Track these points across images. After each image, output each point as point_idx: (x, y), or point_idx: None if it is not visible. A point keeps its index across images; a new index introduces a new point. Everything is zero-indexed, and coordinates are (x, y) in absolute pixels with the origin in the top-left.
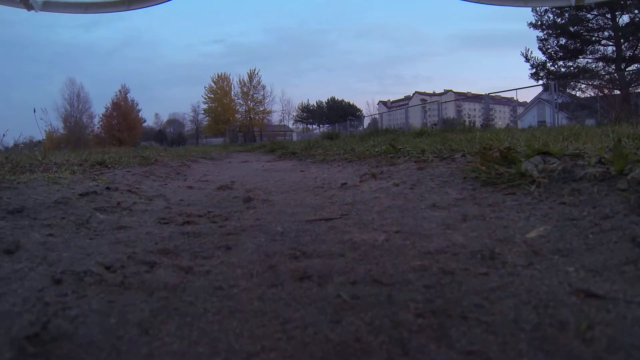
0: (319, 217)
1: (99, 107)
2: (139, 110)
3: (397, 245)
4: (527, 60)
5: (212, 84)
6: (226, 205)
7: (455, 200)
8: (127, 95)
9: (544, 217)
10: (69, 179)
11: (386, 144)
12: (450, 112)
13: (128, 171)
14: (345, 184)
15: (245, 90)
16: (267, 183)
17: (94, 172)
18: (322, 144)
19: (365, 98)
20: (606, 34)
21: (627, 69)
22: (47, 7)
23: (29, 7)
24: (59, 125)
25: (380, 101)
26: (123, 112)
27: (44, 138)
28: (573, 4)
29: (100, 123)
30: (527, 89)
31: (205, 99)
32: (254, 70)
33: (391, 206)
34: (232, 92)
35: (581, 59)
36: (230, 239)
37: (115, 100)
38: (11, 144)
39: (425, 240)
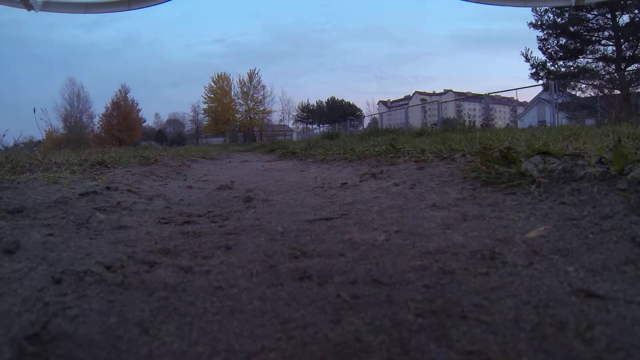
0: (319, 217)
1: (99, 107)
2: (139, 110)
3: (397, 245)
4: (527, 60)
5: (212, 84)
6: (226, 205)
7: (455, 200)
8: (127, 95)
9: (544, 217)
10: (69, 178)
11: (386, 143)
12: (450, 112)
13: (128, 171)
14: (345, 183)
15: (245, 90)
16: (267, 183)
17: (94, 172)
18: (322, 144)
19: (365, 98)
20: (606, 33)
21: (627, 69)
22: (47, 7)
23: (29, 7)
24: (59, 125)
25: (380, 101)
26: (123, 112)
27: (44, 138)
28: (573, 4)
29: (100, 123)
30: (527, 89)
31: (205, 98)
32: (254, 70)
33: (391, 206)
34: (232, 92)
35: (581, 59)
36: (230, 238)
37: (115, 100)
38: (11, 143)
39: (425, 240)
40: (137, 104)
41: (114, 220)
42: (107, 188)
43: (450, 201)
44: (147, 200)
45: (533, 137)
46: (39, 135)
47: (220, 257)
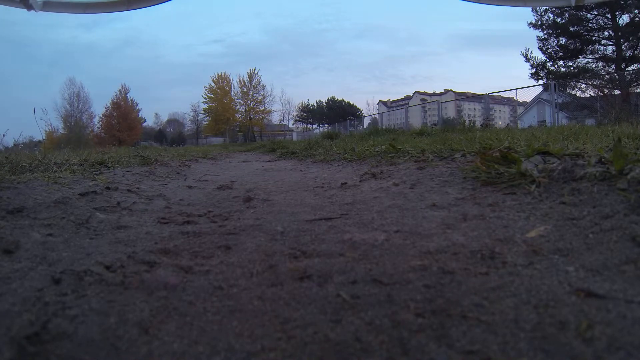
0: (318, 217)
1: (99, 107)
2: (139, 110)
3: (397, 245)
4: (527, 60)
5: (212, 84)
6: (226, 205)
7: (455, 200)
8: (127, 95)
9: (544, 217)
10: (68, 178)
11: (386, 143)
12: (450, 112)
13: (128, 171)
14: (345, 183)
15: (245, 90)
16: (267, 183)
17: (94, 172)
18: (322, 144)
19: (365, 98)
20: (606, 33)
21: (627, 69)
22: (47, 7)
23: (29, 7)
24: (59, 125)
25: (380, 101)
26: (123, 112)
27: (44, 138)
28: (573, 4)
29: (100, 123)
30: (527, 89)
31: (205, 98)
32: (254, 70)
33: (391, 206)
34: (232, 92)
35: (581, 59)
36: (230, 238)
37: (115, 100)
38: (11, 143)
39: (425, 240)
40: (137, 104)
41: (114, 220)
42: (107, 188)
43: (450, 201)
44: (147, 200)
45: (533, 137)
46: (39, 135)
47: (220, 257)
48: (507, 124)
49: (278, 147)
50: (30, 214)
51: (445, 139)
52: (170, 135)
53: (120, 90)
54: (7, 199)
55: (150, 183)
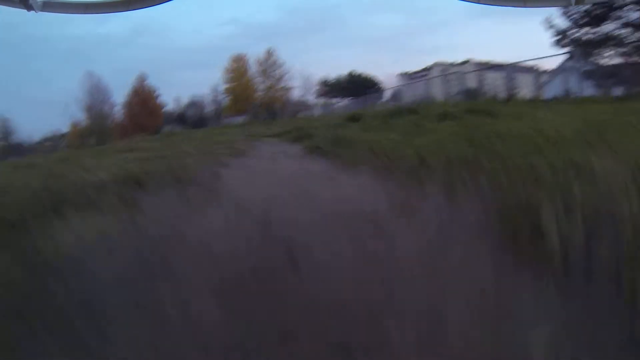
0: None
1: (118, 96)
2: (158, 96)
3: None
4: (550, 27)
5: (231, 64)
6: None
7: None
8: (146, 82)
9: None
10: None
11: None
12: (472, 82)
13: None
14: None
15: (264, 68)
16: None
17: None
18: (349, 135)
19: (385, 70)
20: None
21: None
22: (47, 7)
23: (29, 8)
24: (81, 117)
25: (400, 73)
26: (142, 99)
27: (68, 132)
28: (573, 4)
29: (122, 112)
30: (551, 58)
31: (224, 79)
32: (272, 48)
33: None
34: (251, 71)
35: (606, 26)
36: None
37: (134, 88)
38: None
39: None
40: (157, 90)
41: None
42: None
43: None
44: None
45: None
46: (63, 129)
47: None
48: (532, 96)
49: (304, 136)
50: None
51: (473, 135)
52: (192, 118)
53: (138, 78)
54: None
55: None
